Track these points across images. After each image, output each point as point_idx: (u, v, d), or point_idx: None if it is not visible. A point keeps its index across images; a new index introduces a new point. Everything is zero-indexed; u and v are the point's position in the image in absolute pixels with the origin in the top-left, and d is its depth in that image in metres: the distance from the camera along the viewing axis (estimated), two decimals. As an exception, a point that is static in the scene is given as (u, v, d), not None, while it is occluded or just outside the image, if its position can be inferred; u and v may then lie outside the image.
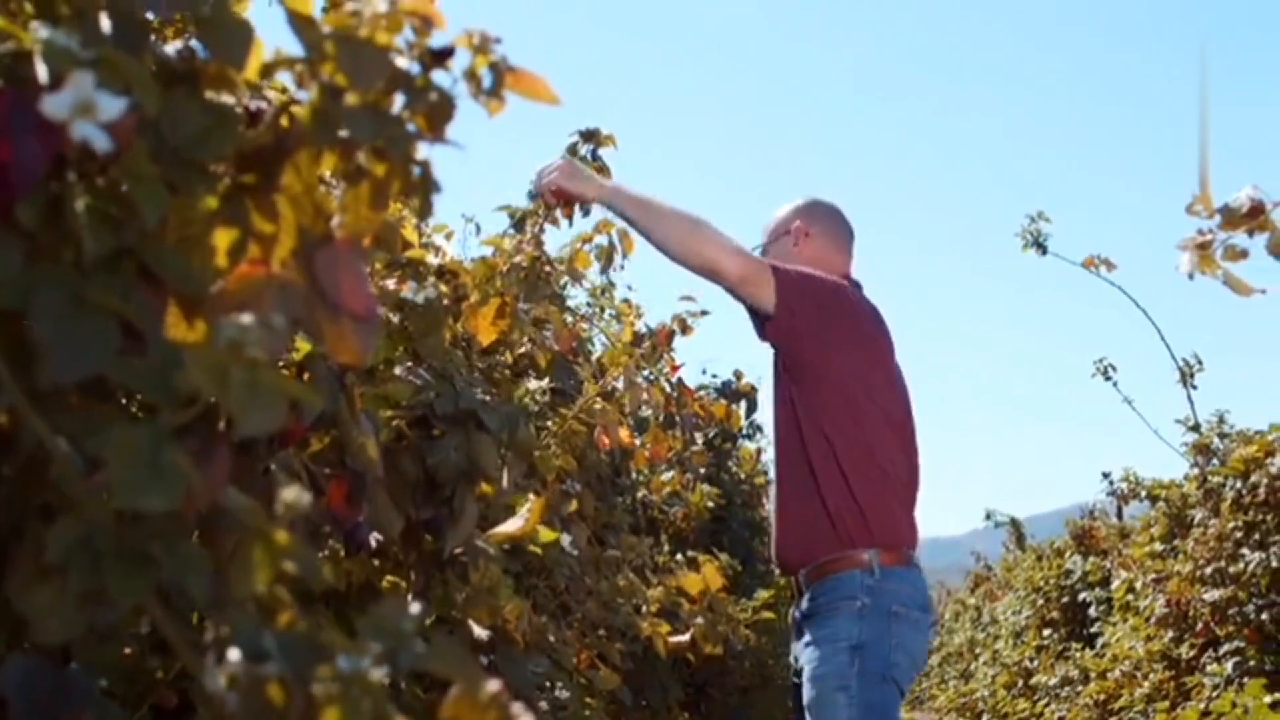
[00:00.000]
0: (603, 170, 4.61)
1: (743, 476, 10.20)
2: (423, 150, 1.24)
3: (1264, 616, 6.89)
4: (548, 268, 3.07)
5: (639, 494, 6.52)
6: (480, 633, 2.63)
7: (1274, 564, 6.76)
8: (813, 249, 3.89)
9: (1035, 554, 15.32)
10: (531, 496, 3.18)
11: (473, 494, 2.46)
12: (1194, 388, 10.32)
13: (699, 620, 4.48)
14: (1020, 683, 14.33)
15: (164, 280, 1.12)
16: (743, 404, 8.47)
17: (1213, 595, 7.22)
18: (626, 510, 5.75)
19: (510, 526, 2.80)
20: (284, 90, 1.30)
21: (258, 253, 1.22)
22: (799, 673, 3.69)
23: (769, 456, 11.43)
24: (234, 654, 1.02)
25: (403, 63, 1.22)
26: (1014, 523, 19.04)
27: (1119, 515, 12.30)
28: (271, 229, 1.22)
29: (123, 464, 0.98)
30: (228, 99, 1.19)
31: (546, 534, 3.27)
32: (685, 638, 4.42)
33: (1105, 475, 11.66)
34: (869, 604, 3.55)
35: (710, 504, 7.35)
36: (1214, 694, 6.86)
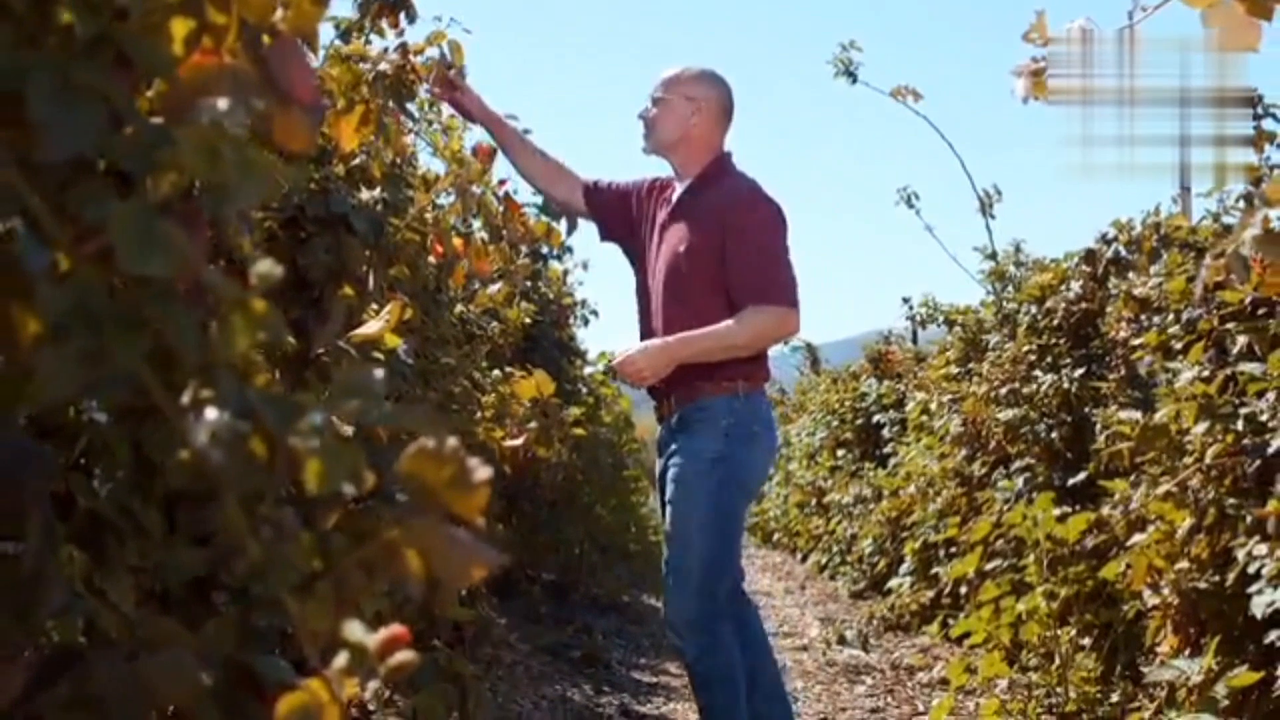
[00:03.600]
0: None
1: (551, 296, 10.29)
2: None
3: (1054, 435, 7.21)
4: (412, 76, 3.11)
5: (457, 309, 6.59)
6: (346, 430, 2.71)
7: (1065, 385, 7.07)
8: (705, 123, 4.55)
9: (831, 377, 15.73)
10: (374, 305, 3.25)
11: (340, 295, 2.54)
12: (993, 218, 10.62)
13: (532, 425, 4.62)
14: (814, 501, 14.81)
15: (134, 65, 1.18)
16: (563, 222, 8.46)
17: (1006, 415, 7.53)
18: (448, 325, 5.83)
19: (371, 328, 2.88)
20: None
21: (210, 43, 1.28)
22: (665, 479, 4.45)
23: (575, 279, 11.55)
24: (212, 413, 1.11)
25: None
26: (809, 348, 19.45)
27: (914, 340, 12.69)
28: (224, 20, 1.28)
29: (124, 233, 1.05)
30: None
31: (391, 340, 3.34)
32: (519, 441, 4.56)
33: (905, 300, 12.03)
34: (733, 423, 4.28)
35: (527, 320, 7.47)
36: (1005, 508, 7.20)
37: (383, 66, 2.86)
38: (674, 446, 4.38)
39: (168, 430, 2.37)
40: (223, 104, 1.10)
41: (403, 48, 3.27)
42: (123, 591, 2.13)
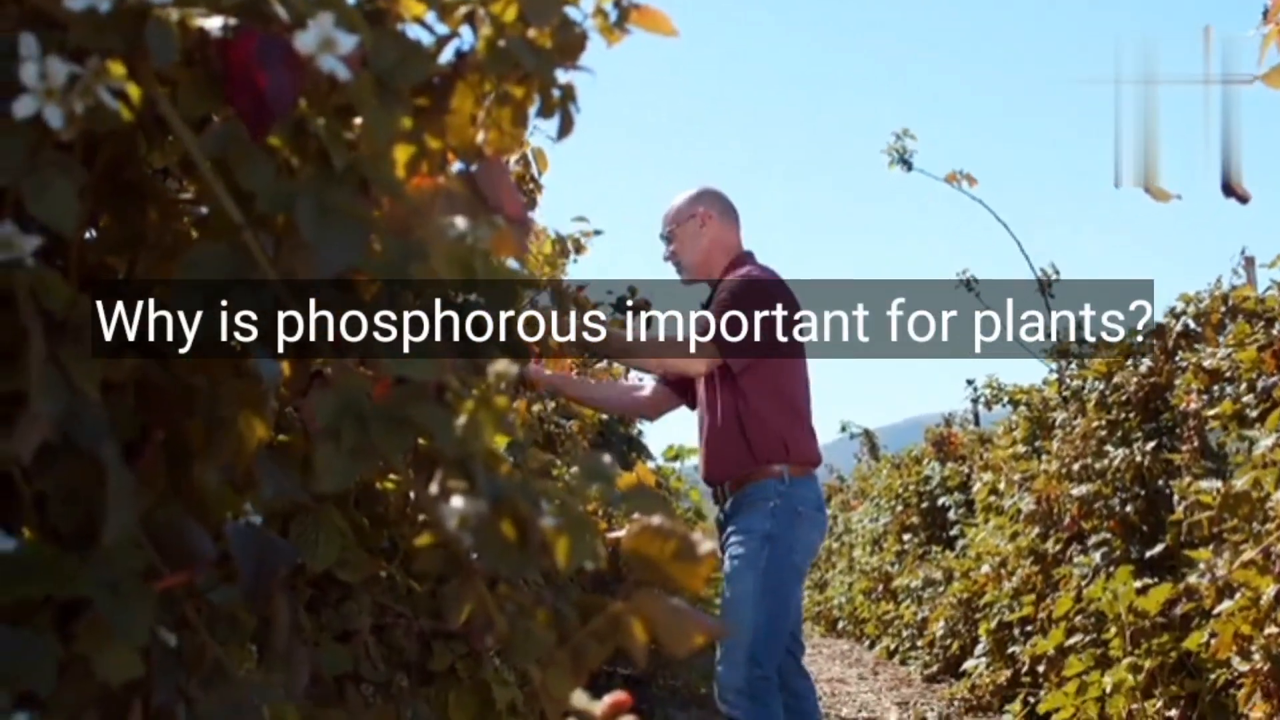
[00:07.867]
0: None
1: (618, 392, 10.36)
2: (560, 75, 1.44)
3: (1128, 509, 7.25)
4: (531, 185, 3.23)
5: (535, 408, 6.69)
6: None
7: (1137, 459, 7.12)
8: (714, 229, 4.88)
9: (892, 463, 15.72)
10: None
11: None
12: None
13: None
14: (880, 587, 14.78)
15: (371, 188, 1.31)
16: (642, 318, 8.53)
17: (1079, 490, 7.57)
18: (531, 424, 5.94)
19: (497, 426, 2.99)
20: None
21: (427, 167, 1.41)
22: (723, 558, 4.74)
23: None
24: (458, 500, 1.22)
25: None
26: (867, 434, 19.50)
27: (977, 421, 12.70)
28: (439, 145, 1.41)
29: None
30: (414, 34, 1.38)
31: (500, 439, 3.46)
32: (623, 532, 4.64)
33: (969, 382, 12.09)
34: (779, 505, 4.59)
35: (603, 417, 7.57)
36: (1084, 583, 7.23)
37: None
38: (730, 529, 4.68)
39: (314, 531, 2.49)
40: (462, 222, 1.22)
41: (524, 158, 3.39)
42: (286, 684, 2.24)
